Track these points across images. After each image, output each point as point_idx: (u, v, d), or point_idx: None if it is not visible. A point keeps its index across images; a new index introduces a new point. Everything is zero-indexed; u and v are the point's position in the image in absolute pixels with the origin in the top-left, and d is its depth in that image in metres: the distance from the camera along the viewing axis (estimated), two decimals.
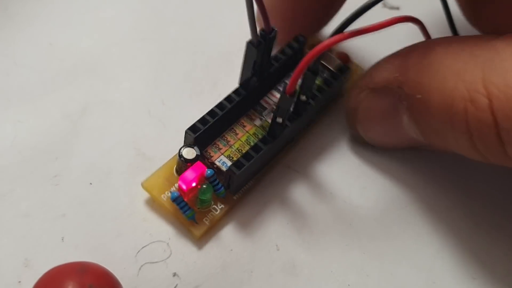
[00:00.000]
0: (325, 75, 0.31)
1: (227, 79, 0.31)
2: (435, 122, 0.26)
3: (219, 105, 0.29)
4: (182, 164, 0.28)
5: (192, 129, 0.28)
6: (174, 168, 0.29)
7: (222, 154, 0.29)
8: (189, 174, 0.28)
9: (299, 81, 0.27)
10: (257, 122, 0.30)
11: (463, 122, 0.24)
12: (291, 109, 0.29)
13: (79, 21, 0.35)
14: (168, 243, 0.28)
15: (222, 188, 0.28)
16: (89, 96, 0.32)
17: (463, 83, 0.24)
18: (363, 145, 0.31)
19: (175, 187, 0.29)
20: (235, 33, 0.31)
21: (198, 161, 0.28)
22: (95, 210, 0.29)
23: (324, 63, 0.32)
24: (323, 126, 0.32)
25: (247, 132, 0.30)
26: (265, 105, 0.31)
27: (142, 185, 0.29)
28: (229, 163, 0.28)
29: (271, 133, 0.29)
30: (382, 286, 0.28)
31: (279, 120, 0.28)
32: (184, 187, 0.28)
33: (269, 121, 0.29)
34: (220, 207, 0.29)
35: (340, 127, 0.32)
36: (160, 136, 0.31)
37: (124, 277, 0.27)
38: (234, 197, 0.29)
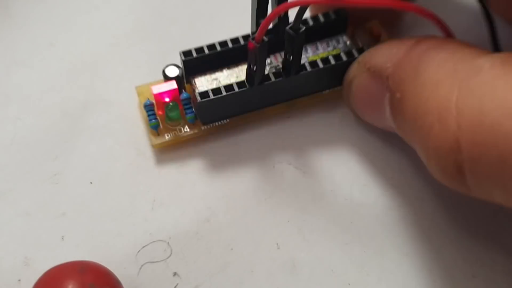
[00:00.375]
0: (342, 48, 0.31)
1: None
2: (407, 126, 0.25)
3: (222, 42, 0.30)
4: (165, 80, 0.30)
5: (185, 53, 0.29)
6: None
7: (206, 86, 0.30)
8: (163, 85, 0.30)
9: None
10: None
11: (425, 137, 0.23)
12: (278, 64, 0.30)
13: (79, 21, 0.35)
14: (168, 243, 0.28)
15: (192, 113, 0.30)
16: (89, 95, 0.32)
17: (436, 97, 0.23)
18: (366, 142, 0.31)
19: (151, 98, 0.30)
20: (235, 33, 0.31)
21: (174, 80, 0.30)
22: (95, 209, 0.29)
23: (348, 37, 0.32)
24: (326, 122, 0.32)
25: (240, 76, 0.30)
26: (272, 60, 0.31)
27: (136, 88, 0.31)
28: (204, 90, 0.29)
29: (248, 79, 0.29)
30: (382, 285, 0.28)
31: (253, 67, 0.28)
32: (154, 91, 0.29)
33: (268, 74, 0.29)
34: (186, 129, 0.30)
35: (344, 124, 0.32)
36: None
37: (124, 276, 0.27)
38: (203, 127, 0.30)
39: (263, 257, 0.28)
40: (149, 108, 0.30)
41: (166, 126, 0.30)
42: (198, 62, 0.29)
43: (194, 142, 0.31)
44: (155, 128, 0.30)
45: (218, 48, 0.29)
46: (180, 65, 0.30)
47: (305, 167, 0.30)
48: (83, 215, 0.29)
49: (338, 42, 0.31)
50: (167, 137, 0.30)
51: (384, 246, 0.29)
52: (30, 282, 0.25)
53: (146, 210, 0.29)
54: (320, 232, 0.29)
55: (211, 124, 0.31)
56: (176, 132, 0.30)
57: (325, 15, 0.31)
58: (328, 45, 0.31)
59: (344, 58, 0.30)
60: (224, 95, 0.29)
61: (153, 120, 0.30)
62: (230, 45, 0.30)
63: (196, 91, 0.29)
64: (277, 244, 0.29)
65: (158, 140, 0.30)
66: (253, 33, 0.29)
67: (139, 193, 0.30)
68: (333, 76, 0.30)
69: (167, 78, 0.30)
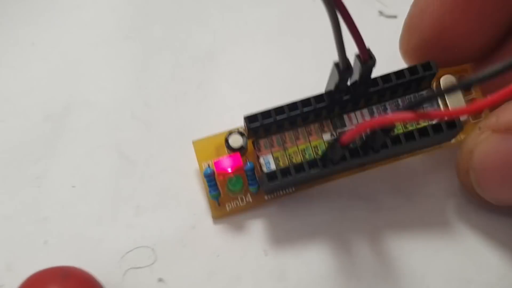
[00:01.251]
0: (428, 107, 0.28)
1: (212, 79, 0.31)
2: None
3: (292, 105, 0.26)
4: (227, 148, 0.28)
5: (250, 118, 0.26)
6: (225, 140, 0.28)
7: (272, 153, 0.27)
8: (225, 161, 0.27)
9: None
10: (326, 137, 0.27)
11: None
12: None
13: (61, 21, 0.34)
14: (153, 249, 0.28)
15: (256, 185, 0.28)
16: (71, 97, 0.32)
17: None
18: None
19: (210, 163, 0.28)
20: (220, 32, 0.31)
21: (238, 153, 0.27)
22: (78, 214, 0.29)
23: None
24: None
25: (309, 142, 0.27)
26: (347, 122, 0.27)
27: (193, 143, 0.29)
28: (271, 166, 0.27)
29: (322, 161, 0.26)
30: None
31: (331, 155, 0.25)
32: (216, 168, 0.28)
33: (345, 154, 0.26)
34: (247, 200, 0.29)
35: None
36: (143, 138, 0.31)
37: (108, 282, 0.27)
38: (266, 197, 0.29)
39: (250, 264, 0.28)
40: (210, 178, 0.28)
41: (227, 193, 0.29)
42: (263, 127, 0.26)
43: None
44: (215, 199, 0.28)
45: (287, 112, 0.26)
46: (244, 129, 0.27)
47: None
48: (66, 219, 0.29)
49: None
50: (227, 208, 0.29)
51: (375, 252, 0.28)
52: (12, 287, 0.25)
53: (130, 215, 0.29)
54: (308, 238, 0.29)
55: (274, 194, 0.29)
56: (237, 202, 0.29)
57: (411, 70, 0.27)
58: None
59: (431, 133, 0.26)
60: (294, 177, 0.26)
61: (214, 192, 0.28)
62: (300, 108, 0.26)
63: (263, 168, 0.27)
64: (264, 250, 0.28)
65: (219, 212, 0.29)
66: (327, 93, 0.26)
67: (122, 198, 0.29)
68: (422, 145, 0.27)
69: (230, 148, 0.28)
